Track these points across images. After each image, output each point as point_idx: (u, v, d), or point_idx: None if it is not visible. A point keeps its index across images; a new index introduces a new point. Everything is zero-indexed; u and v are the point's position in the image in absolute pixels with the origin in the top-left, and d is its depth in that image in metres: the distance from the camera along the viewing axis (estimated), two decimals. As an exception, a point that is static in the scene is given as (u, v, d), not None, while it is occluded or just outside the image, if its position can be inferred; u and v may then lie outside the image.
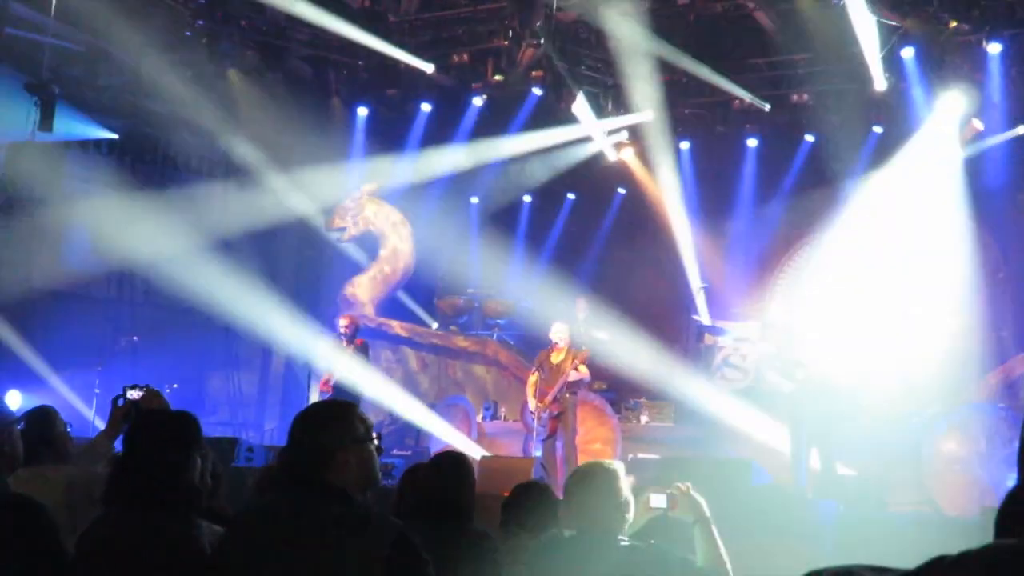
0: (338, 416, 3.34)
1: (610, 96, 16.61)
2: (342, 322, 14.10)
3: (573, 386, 12.70)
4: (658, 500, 4.18)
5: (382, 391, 14.68)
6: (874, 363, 14.70)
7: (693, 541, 4.07)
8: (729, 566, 4.08)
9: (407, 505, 4.82)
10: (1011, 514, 1.29)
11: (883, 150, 16.34)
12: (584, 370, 12.70)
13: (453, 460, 4.82)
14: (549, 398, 12.53)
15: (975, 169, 15.63)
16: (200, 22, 14.72)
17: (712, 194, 17.93)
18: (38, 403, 5.37)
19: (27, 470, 4.69)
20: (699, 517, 4.12)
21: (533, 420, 12.79)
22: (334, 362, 13.67)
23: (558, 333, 13.03)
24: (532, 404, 12.80)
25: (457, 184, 19.08)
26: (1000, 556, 1.23)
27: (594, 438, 14.20)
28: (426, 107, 16.81)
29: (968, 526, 9.76)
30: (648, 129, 17.14)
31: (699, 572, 3.88)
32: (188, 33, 15.10)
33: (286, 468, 3.31)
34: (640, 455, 13.66)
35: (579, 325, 15.71)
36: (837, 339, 14.03)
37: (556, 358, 12.80)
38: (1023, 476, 1.36)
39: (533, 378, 12.94)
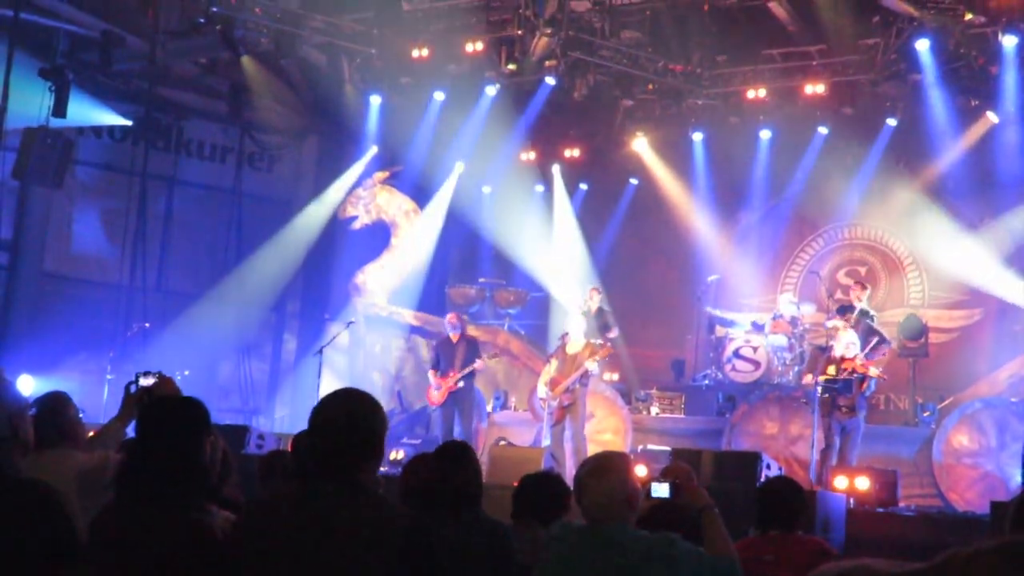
0: (377, 407, 3.35)
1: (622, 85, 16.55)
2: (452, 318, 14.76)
3: (583, 378, 12.69)
4: (660, 489, 4.18)
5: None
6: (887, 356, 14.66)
7: (698, 529, 4.07)
8: (736, 554, 4.08)
9: (414, 494, 4.83)
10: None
11: (897, 142, 16.29)
12: (594, 365, 12.66)
13: (458, 449, 4.82)
14: (561, 387, 12.53)
15: (987, 163, 15.59)
16: (214, 8, 14.71)
17: (725, 185, 17.88)
18: (50, 388, 5.38)
19: (39, 455, 4.70)
20: (705, 505, 4.12)
21: (541, 407, 12.81)
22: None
23: (575, 324, 13.08)
24: (541, 391, 12.82)
25: (470, 173, 19.11)
26: (1017, 551, 1.22)
27: (605, 428, 14.21)
28: (439, 96, 16.77)
29: (978, 521, 9.77)
30: (661, 119, 17.11)
31: (708, 560, 3.88)
32: (202, 20, 15.10)
33: (321, 456, 3.27)
34: (650, 446, 13.67)
35: (591, 315, 15.74)
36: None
37: (572, 348, 12.79)
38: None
39: (549, 366, 12.96)
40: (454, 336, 14.52)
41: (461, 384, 14.15)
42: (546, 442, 12.77)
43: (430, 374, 14.58)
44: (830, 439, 11.68)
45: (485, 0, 15.14)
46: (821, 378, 11.79)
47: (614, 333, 15.47)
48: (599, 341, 13.66)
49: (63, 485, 3.82)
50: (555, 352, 12.98)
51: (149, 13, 15.57)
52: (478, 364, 14.17)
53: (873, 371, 11.85)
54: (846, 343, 11.98)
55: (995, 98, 14.60)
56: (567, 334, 13.07)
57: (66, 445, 4.95)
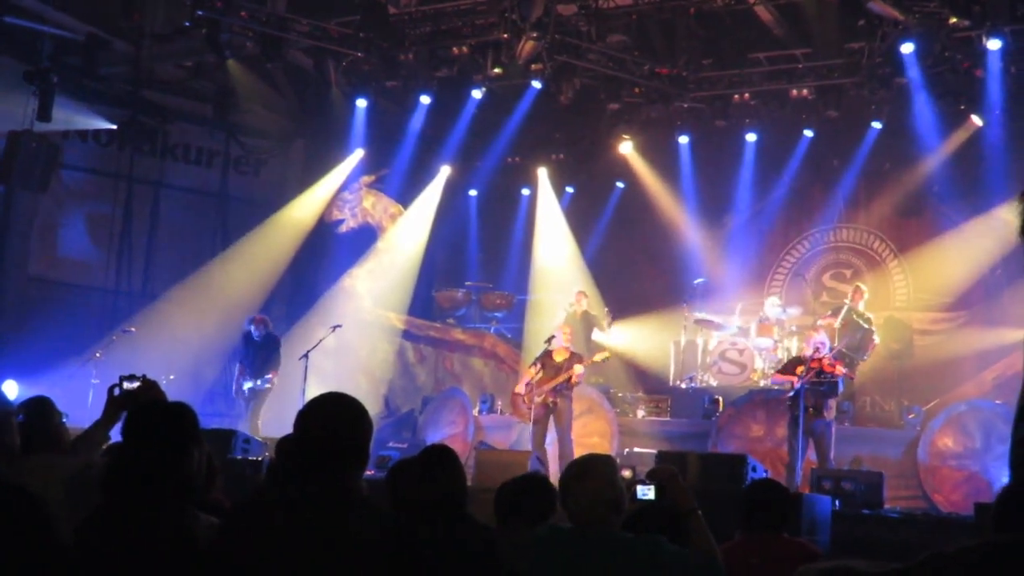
0: (362, 411, 3.35)
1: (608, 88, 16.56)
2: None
3: (568, 382, 12.72)
4: (644, 491, 4.18)
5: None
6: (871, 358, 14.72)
7: (683, 531, 4.08)
8: (721, 557, 4.09)
9: (400, 499, 4.82)
10: (1007, 511, 1.29)
11: (882, 145, 16.35)
12: (579, 369, 12.69)
13: (441, 453, 4.81)
14: (547, 387, 12.59)
15: (972, 166, 15.65)
16: (200, 12, 14.68)
17: (711, 188, 17.92)
18: (35, 393, 5.36)
19: (23, 460, 4.68)
20: (690, 508, 4.13)
21: (524, 403, 12.83)
22: None
23: (565, 335, 13.15)
24: (520, 387, 12.89)
25: (456, 176, 19.12)
26: (998, 552, 1.23)
27: (591, 431, 14.21)
28: (425, 99, 16.76)
29: (963, 523, 9.80)
30: (647, 123, 17.12)
31: (693, 563, 3.88)
32: (187, 23, 15.06)
33: (307, 461, 3.27)
34: (636, 449, 13.68)
35: (577, 319, 15.77)
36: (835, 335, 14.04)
37: (559, 357, 12.85)
38: (1015, 474, 1.36)
39: (534, 369, 12.99)
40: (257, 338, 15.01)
41: (258, 384, 14.68)
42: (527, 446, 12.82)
43: (238, 367, 15.11)
44: (793, 441, 11.71)
45: (471, 4, 15.14)
46: (776, 374, 11.97)
47: (600, 336, 15.52)
48: (604, 354, 13.66)
49: (49, 491, 3.80)
50: (542, 356, 13.02)
51: (134, 16, 15.52)
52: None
53: (840, 370, 11.91)
54: (815, 344, 12.05)
55: (980, 101, 14.65)
56: (553, 337, 13.09)
57: (51, 451, 4.94)
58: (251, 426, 14.42)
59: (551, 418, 12.78)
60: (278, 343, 15.09)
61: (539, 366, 12.94)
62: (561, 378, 12.58)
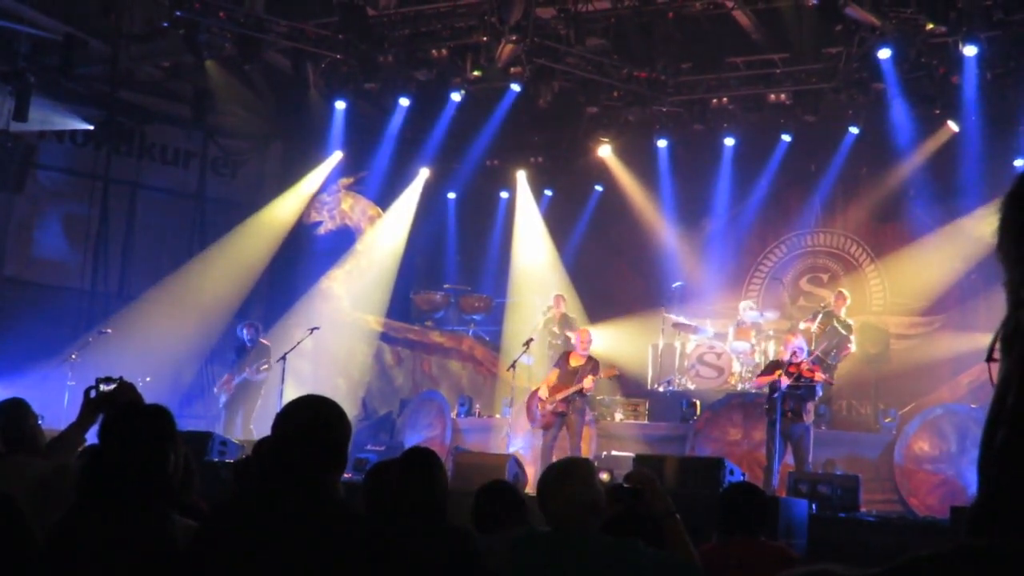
0: (341, 414, 3.34)
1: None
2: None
3: (581, 394, 12.75)
4: (623, 495, 4.19)
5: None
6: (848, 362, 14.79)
7: (660, 535, 4.08)
8: (698, 560, 4.10)
9: (380, 503, 4.80)
10: (981, 514, 1.30)
11: (859, 150, 16.44)
12: (588, 383, 12.70)
13: (424, 456, 4.79)
14: (560, 396, 12.62)
15: (948, 172, 15.73)
16: (178, 12, 14.63)
17: (689, 192, 17.96)
18: (10, 394, 5.33)
19: (-2, 462, 4.66)
20: (667, 511, 4.14)
21: (538, 409, 12.85)
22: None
23: (582, 340, 13.18)
24: (544, 391, 12.88)
25: (435, 179, 19.11)
26: (973, 556, 1.24)
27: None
28: (404, 102, 16.76)
29: (939, 526, 9.84)
30: (625, 126, 17.16)
31: (671, 566, 3.89)
32: (166, 24, 15.01)
33: (284, 464, 3.26)
34: (614, 452, 13.69)
35: (555, 322, 15.79)
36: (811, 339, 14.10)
37: (575, 362, 12.87)
38: (983, 478, 1.37)
39: (552, 375, 13.03)
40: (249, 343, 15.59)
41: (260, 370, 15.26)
42: (511, 448, 12.79)
43: (225, 377, 15.72)
44: (771, 445, 11.78)
45: (451, 6, 15.14)
46: (759, 378, 12.02)
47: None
48: (613, 371, 13.70)
49: (22, 493, 3.78)
50: (560, 360, 13.08)
51: (111, 17, 15.46)
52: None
53: (819, 376, 11.98)
54: (792, 348, 12.11)
55: (956, 107, 14.74)
56: (532, 340, 13.13)
57: (25, 452, 4.91)
58: (244, 428, 14.57)
59: (564, 427, 12.83)
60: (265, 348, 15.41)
61: (556, 370, 12.98)
62: (573, 389, 12.61)
